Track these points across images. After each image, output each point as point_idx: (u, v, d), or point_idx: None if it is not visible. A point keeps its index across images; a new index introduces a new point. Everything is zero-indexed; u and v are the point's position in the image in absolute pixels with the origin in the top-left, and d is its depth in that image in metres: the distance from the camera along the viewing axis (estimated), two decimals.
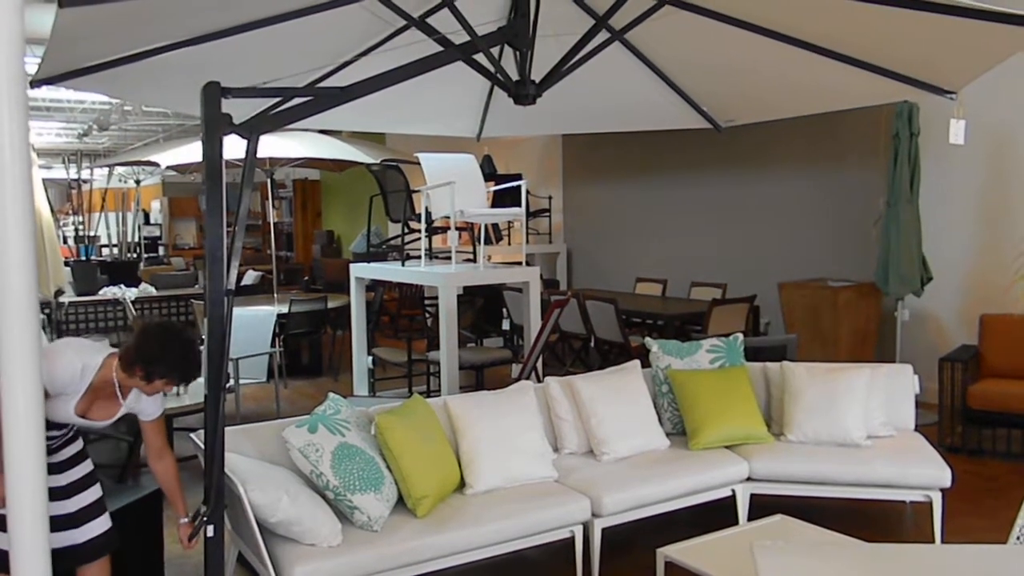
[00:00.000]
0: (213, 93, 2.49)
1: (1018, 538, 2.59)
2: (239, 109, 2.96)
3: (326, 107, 2.75)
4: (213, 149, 2.52)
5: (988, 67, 3.50)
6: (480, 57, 3.21)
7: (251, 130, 2.61)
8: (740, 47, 3.62)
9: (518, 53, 3.36)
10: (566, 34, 3.43)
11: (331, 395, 3.61)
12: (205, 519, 2.64)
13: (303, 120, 2.86)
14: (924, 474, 3.97)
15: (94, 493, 2.87)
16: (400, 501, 3.45)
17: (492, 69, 3.30)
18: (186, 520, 2.83)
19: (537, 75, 3.37)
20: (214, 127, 2.49)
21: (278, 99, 3.15)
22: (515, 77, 3.36)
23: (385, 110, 4.60)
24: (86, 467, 2.87)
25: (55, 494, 2.68)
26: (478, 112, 4.96)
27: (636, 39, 3.96)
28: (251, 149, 2.60)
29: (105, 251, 16.36)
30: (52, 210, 7.69)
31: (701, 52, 3.93)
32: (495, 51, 3.53)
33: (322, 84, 3.90)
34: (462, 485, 3.69)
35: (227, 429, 2.73)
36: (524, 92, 3.33)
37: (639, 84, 4.37)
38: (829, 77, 3.82)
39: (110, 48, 3.03)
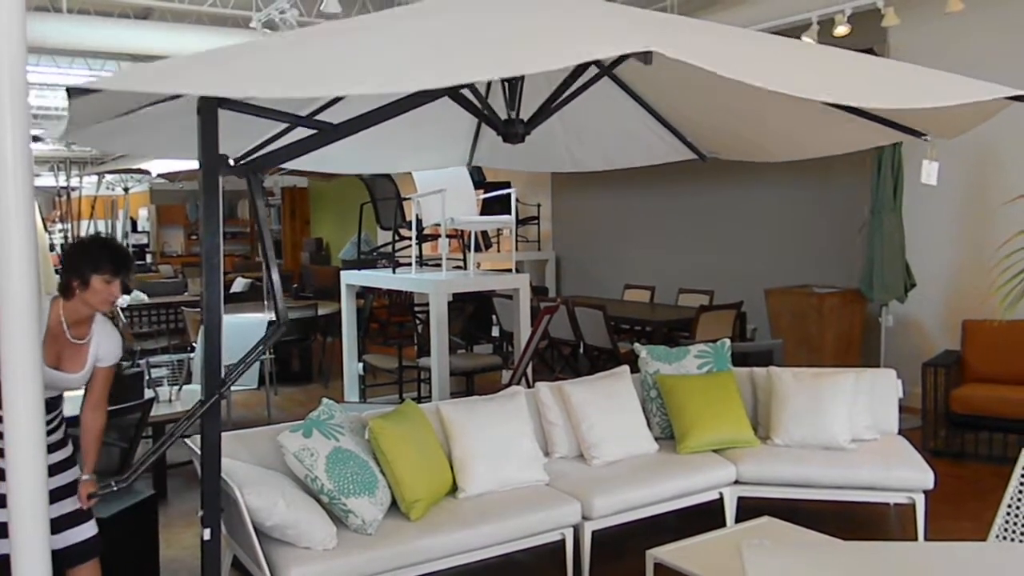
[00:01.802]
0: (210, 109, 2.47)
1: (997, 536, 2.66)
2: (233, 142, 2.98)
3: (319, 144, 2.73)
4: (210, 171, 2.52)
5: (968, 129, 3.52)
6: (469, 92, 3.16)
7: (249, 171, 2.63)
8: (726, 87, 3.58)
9: (506, 88, 3.31)
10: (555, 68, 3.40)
11: (325, 400, 3.65)
12: (114, 488, 2.70)
13: (297, 159, 2.84)
14: (907, 477, 4.04)
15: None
16: (394, 505, 3.49)
17: (479, 106, 3.22)
18: (88, 478, 2.85)
19: (525, 111, 3.29)
20: (212, 167, 2.48)
21: (272, 136, 3.16)
22: (504, 115, 3.28)
23: (374, 147, 4.49)
24: (73, 473, 2.89)
25: None
26: (468, 139, 4.87)
27: (623, 74, 3.96)
28: (254, 187, 2.64)
29: None
30: (41, 218, 7.69)
31: (689, 91, 3.89)
32: (482, 86, 3.48)
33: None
34: (454, 489, 3.74)
35: (222, 434, 2.77)
36: (513, 131, 3.23)
37: (626, 118, 4.35)
38: (813, 121, 3.79)
39: (110, 110, 2.98)
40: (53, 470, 2.80)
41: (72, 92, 2.11)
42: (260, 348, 2.63)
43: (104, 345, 2.87)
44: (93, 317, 2.85)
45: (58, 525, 2.79)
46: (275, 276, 2.66)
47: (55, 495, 2.78)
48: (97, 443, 2.92)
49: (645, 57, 2.15)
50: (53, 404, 2.81)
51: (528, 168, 4.89)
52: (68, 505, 2.83)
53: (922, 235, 6.73)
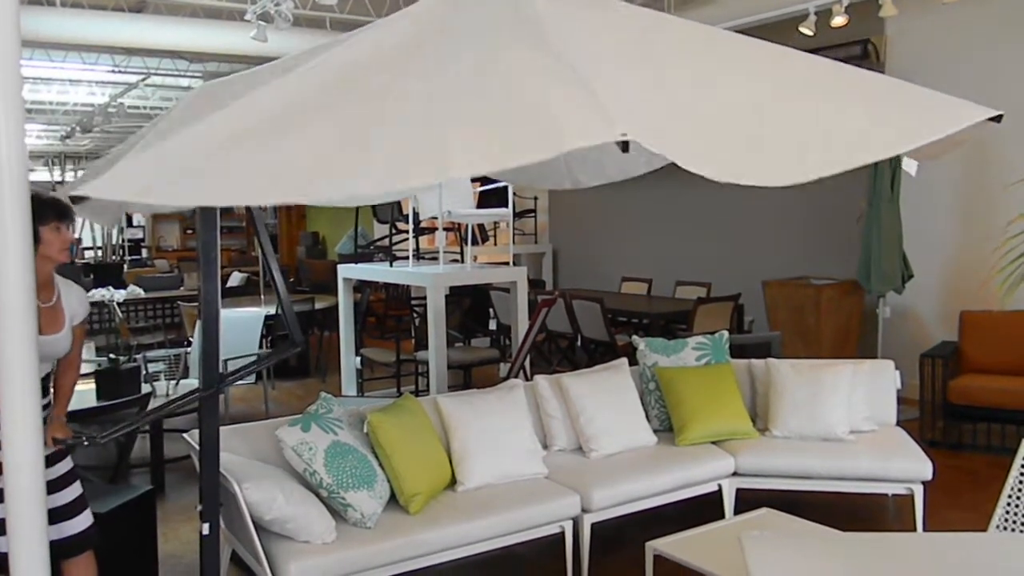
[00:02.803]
0: None
1: (997, 526, 2.66)
2: None
3: None
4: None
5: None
6: None
7: (248, 206, 2.62)
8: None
9: None
10: None
11: (323, 394, 3.64)
12: (85, 443, 2.70)
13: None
14: (906, 468, 4.04)
15: (75, 490, 2.89)
16: (393, 498, 3.49)
17: None
18: (59, 421, 2.87)
19: None
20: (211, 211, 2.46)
21: None
22: None
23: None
24: (67, 464, 2.89)
25: None
26: None
27: None
28: (256, 220, 2.64)
29: (88, 253, 16.26)
30: None
31: None
32: None
33: None
34: (453, 482, 3.73)
35: (220, 429, 2.76)
36: None
37: None
38: None
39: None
40: (48, 461, 2.80)
41: (75, 200, 2.19)
42: (267, 358, 2.63)
43: (74, 301, 2.92)
44: (53, 278, 2.87)
45: (54, 516, 2.80)
46: (286, 300, 2.66)
47: (50, 487, 2.79)
48: (70, 392, 2.98)
49: (624, 145, 1.89)
50: (43, 390, 2.81)
51: (526, 183, 4.83)
52: (64, 497, 2.83)
53: (920, 226, 6.73)
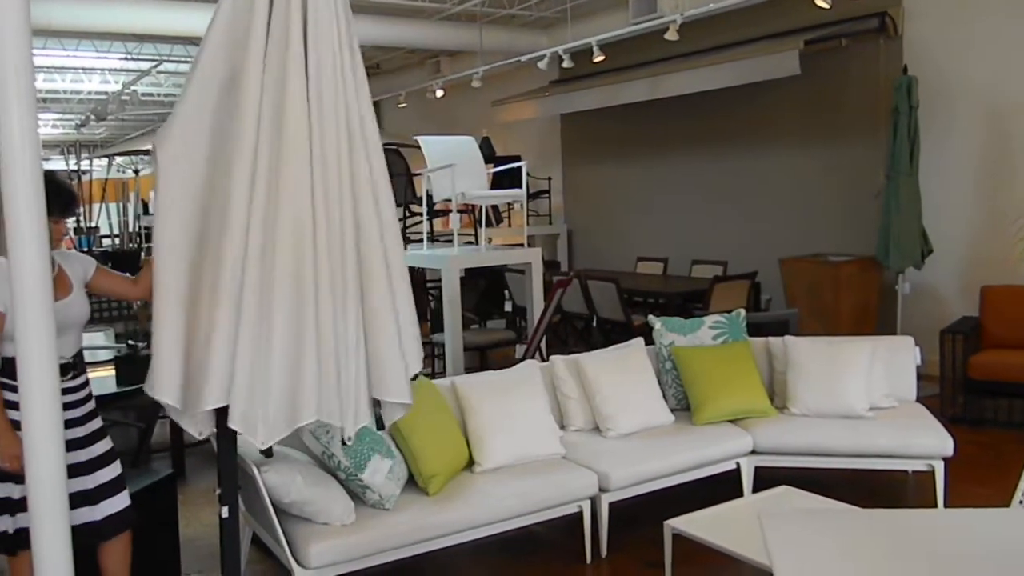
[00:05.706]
0: None
1: (1020, 502, 2.63)
2: None
3: None
4: None
5: None
6: None
7: None
8: None
9: None
10: None
11: None
12: None
13: None
14: (926, 444, 4.02)
15: (114, 470, 2.91)
16: (411, 480, 3.50)
17: None
18: None
19: None
20: None
21: None
22: None
23: None
24: (106, 444, 2.91)
25: (77, 470, 2.72)
26: None
27: None
28: None
29: (106, 241, 16.34)
30: None
31: None
32: None
33: None
34: (471, 463, 3.74)
35: None
36: None
37: None
38: None
39: None
40: (87, 441, 2.82)
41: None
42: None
43: (76, 265, 2.83)
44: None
45: (95, 496, 2.82)
46: None
47: (91, 466, 2.81)
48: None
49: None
50: (78, 367, 2.81)
51: None
52: (104, 475, 2.85)
53: (939, 200, 6.64)
